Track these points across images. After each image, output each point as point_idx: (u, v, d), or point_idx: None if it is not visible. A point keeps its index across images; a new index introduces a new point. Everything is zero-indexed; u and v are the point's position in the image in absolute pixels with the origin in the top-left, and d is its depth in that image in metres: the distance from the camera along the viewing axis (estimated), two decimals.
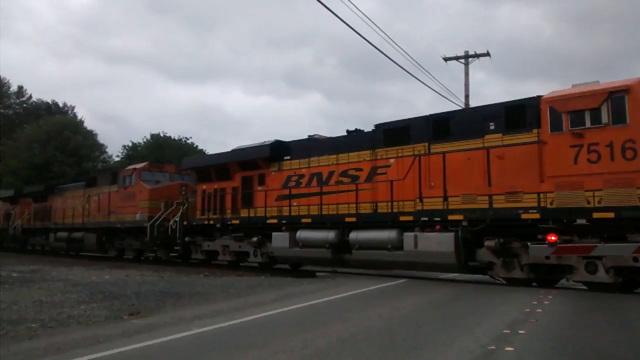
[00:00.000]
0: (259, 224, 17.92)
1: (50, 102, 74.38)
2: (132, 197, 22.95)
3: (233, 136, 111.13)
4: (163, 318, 8.21)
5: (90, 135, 58.98)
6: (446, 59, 27.95)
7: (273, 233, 17.10)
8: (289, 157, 17.63)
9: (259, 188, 18.27)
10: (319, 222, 16.05)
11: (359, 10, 37.51)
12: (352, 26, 16.69)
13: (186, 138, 57.14)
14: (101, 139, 60.76)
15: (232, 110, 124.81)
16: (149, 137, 56.34)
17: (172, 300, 10.16)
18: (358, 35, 17.10)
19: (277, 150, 17.90)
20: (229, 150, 20.26)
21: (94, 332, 7.10)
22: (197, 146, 56.56)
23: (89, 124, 65.01)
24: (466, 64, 27.46)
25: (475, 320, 7.76)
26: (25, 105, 77.67)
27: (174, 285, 12.53)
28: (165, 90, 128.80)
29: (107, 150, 60.31)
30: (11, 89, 78.41)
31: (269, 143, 18.22)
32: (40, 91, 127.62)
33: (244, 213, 18.61)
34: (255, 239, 17.88)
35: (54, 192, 30.83)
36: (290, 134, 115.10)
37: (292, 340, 6.28)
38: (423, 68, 34.50)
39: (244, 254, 18.74)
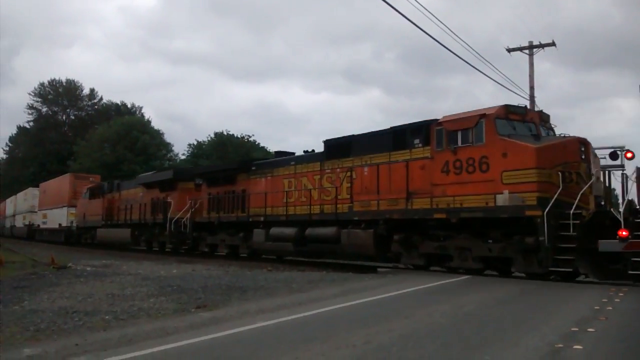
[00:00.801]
0: None
1: (120, 103, 77.48)
2: (479, 164, 13.23)
3: (294, 133, 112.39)
4: (228, 311, 8.43)
5: (157, 135, 61.09)
6: (509, 50, 27.16)
7: None
8: None
9: None
10: None
11: (418, 2, 36.97)
12: (412, 19, 16.42)
13: (248, 136, 58.20)
14: (167, 137, 62.75)
15: (292, 108, 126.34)
16: (213, 135, 57.73)
17: (237, 294, 10.41)
18: (417, 29, 16.87)
19: None
20: None
21: (163, 324, 7.37)
22: (259, 143, 57.45)
23: (155, 124, 67.22)
24: (530, 55, 26.59)
25: (542, 318, 7.56)
26: (96, 107, 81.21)
27: (238, 280, 12.81)
28: (227, 89, 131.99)
29: (173, 148, 62.29)
30: (84, 92, 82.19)
31: None
32: (110, 93, 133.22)
33: None
34: None
35: (249, 171, 21.46)
36: (349, 130, 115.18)
37: (354, 335, 6.31)
38: (485, 59, 33.56)
39: None
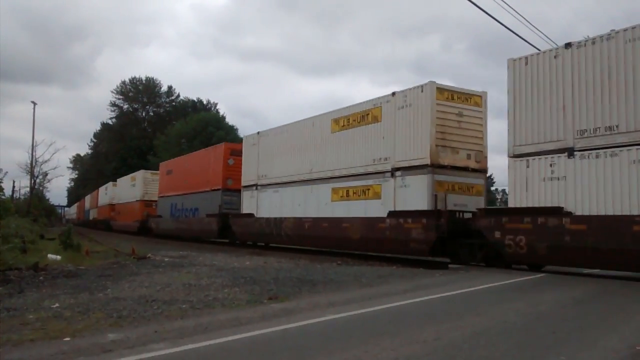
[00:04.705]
0: None
1: (196, 100, 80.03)
2: None
3: None
4: (299, 303, 8.57)
5: (232, 130, 62.75)
6: None
7: None
8: None
9: None
10: None
11: None
12: (483, 8, 15.95)
13: None
14: (240, 133, 64.17)
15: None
16: None
17: (307, 286, 10.55)
18: (489, 18, 16.43)
19: None
20: None
21: (236, 314, 7.59)
22: None
23: (227, 119, 68.98)
24: None
25: (622, 319, 7.24)
26: (174, 103, 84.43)
27: (309, 273, 12.97)
28: (296, 85, 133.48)
29: None
30: (162, 89, 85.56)
31: None
32: (185, 90, 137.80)
33: None
34: None
35: None
36: None
37: (424, 331, 6.28)
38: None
39: None
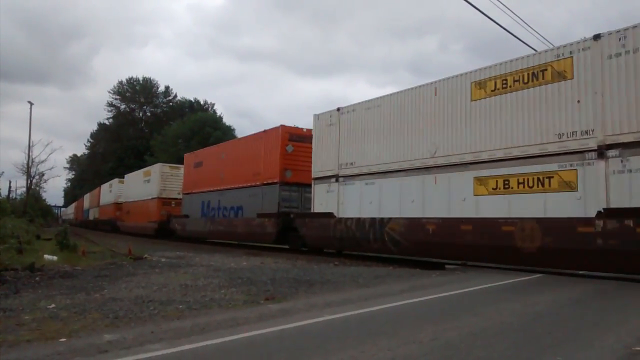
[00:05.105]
0: None
1: (193, 100, 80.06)
2: None
3: None
4: (296, 304, 8.57)
5: (229, 131, 62.83)
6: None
7: None
8: None
9: None
10: None
11: None
12: (480, 9, 15.92)
13: None
14: (237, 133, 64.20)
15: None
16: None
17: (304, 287, 10.55)
18: (485, 19, 16.43)
19: None
20: None
21: (233, 314, 7.58)
22: None
23: (224, 120, 68.99)
24: None
25: (619, 319, 7.25)
26: (171, 103, 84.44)
27: (306, 273, 12.96)
28: (293, 85, 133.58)
29: None
30: (159, 90, 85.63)
31: None
32: (182, 90, 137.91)
33: None
34: None
35: None
36: None
37: (421, 331, 6.28)
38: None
39: None
